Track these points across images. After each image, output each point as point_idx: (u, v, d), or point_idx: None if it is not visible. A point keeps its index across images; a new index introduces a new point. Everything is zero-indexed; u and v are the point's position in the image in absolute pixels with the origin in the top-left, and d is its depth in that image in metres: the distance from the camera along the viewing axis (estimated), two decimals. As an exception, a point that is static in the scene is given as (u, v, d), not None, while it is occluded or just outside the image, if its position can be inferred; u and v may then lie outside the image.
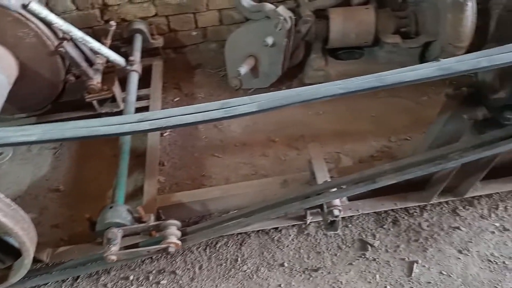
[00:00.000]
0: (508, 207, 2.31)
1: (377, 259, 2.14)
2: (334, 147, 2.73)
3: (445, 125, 2.03)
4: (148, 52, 3.10)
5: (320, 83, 3.17)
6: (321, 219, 2.18)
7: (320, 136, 2.81)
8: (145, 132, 1.42)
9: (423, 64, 1.36)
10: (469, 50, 2.62)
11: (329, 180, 1.96)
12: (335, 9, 2.93)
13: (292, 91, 1.36)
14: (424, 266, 2.09)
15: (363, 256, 2.15)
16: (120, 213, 1.81)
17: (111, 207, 1.86)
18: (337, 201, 1.83)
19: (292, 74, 3.20)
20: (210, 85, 3.18)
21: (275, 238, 2.25)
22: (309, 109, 2.98)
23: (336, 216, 1.83)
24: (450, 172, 2.03)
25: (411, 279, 2.04)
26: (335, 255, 2.20)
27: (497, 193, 2.34)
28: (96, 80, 2.60)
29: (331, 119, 2.92)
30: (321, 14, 2.96)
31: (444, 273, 2.06)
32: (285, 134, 2.83)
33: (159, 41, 3.14)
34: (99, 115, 2.73)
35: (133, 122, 1.33)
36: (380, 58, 3.07)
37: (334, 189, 1.84)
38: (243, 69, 2.83)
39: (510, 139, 1.67)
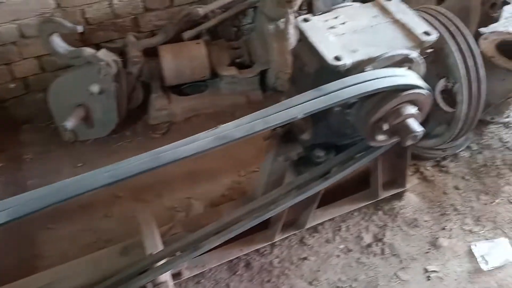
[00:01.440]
0: (350, 226, 2.41)
1: (231, 313, 2.06)
2: (184, 192, 2.59)
3: (272, 164, 2.01)
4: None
5: (166, 122, 3.19)
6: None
7: (170, 182, 2.65)
8: None
9: (201, 133, 1.27)
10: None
11: (158, 250, 1.81)
12: (164, 46, 2.79)
13: (50, 187, 1.16)
14: (278, 308, 2.07)
15: (217, 313, 2.06)
16: None
17: None
18: (165, 276, 1.68)
19: (135, 116, 2.99)
20: (41, 142, 2.82)
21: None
22: (155, 153, 2.80)
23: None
24: (283, 210, 2.02)
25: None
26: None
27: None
28: None
29: (178, 162, 2.77)
30: (153, 52, 2.81)
31: (297, 311, 2.06)
32: (131, 186, 2.61)
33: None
34: None
35: None
36: (223, 90, 3.02)
37: (163, 262, 1.69)
38: (70, 123, 2.55)
39: (326, 177, 1.69)
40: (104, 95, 2.62)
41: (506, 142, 2.83)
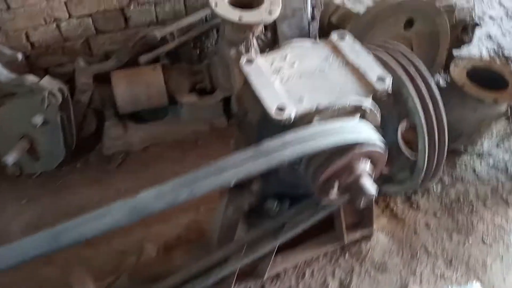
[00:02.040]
0: (315, 271, 2.23)
1: None
2: (138, 232, 2.38)
3: (224, 213, 1.83)
4: None
5: (121, 152, 2.98)
6: None
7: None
8: None
9: (114, 204, 1.08)
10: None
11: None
12: (117, 72, 2.59)
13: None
14: None
15: None
16: None
17: None
18: None
19: (88, 146, 2.78)
20: (-19, 176, 2.59)
21: None
22: (108, 188, 2.59)
23: None
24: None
25: None
26: None
27: (304, 259, 2.24)
28: None
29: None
30: (105, 78, 2.60)
31: None
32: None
33: None
34: None
35: None
36: (184, 116, 2.83)
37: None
38: (11, 158, 2.33)
39: (275, 235, 1.51)
40: (48, 126, 2.41)
41: (479, 173, 2.69)
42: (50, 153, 2.54)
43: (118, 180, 2.63)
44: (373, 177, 1.30)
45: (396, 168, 1.65)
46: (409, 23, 2.60)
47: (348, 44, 1.44)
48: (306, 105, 1.25)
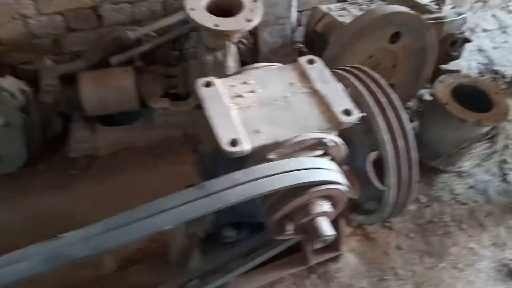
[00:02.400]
0: (279, 293, 2.15)
1: None
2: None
3: (178, 238, 1.74)
4: None
5: (88, 156, 2.86)
6: None
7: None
8: None
9: (28, 248, 0.98)
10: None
11: None
12: (86, 73, 2.46)
13: None
14: None
15: None
16: None
17: None
18: None
19: (54, 148, 2.66)
20: None
21: None
22: (71, 194, 2.48)
23: None
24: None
25: None
26: None
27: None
28: None
29: (99, 203, 2.45)
30: (73, 79, 2.48)
31: None
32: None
33: None
34: None
35: None
36: (157, 121, 2.72)
37: None
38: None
39: (226, 269, 1.42)
40: (10, 128, 2.29)
41: (457, 194, 2.63)
42: (11, 155, 2.42)
43: (82, 186, 2.52)
44: (332, 217, 1.22)
45: (364, 197, 1.57)
46: (396, 36, 2.51)
47: (317, 70, 1.34)
48: (263, 138, 1.16)
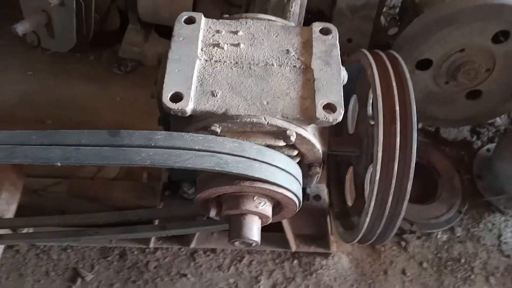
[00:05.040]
0: (254, 262, 2.03)
1: (82, 295, 1.86)
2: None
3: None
4: None
5: (135, 60, 2.82)
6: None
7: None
8: None
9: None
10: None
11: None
12: (148, -24, 2.34)
13: None
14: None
15: (67, 289, 1.87)
16: None
17: None
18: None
19: (108, 42, 2.67)
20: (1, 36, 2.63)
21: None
22: (105, 91, 2.50)
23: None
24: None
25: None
26: (38, 281, 1.91)
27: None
28: None
29: (125, 111, 2.45)
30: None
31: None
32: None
33: None
34: None
35: None
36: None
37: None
38: (21, 27, 2.29)
39: (162, 226, 1.31)
40: (64, 8, 2.31)
41: (504, 242, 2.17)
42: (63, 35, 2.47)
43: (119, 87, 2.54)
44: (268, 221, 1.01)
45: (353, 209, 1.31)
46: (501, 36, 1.98)
47: (327, 44, 1.05)
48: (212, 104, 0.95)
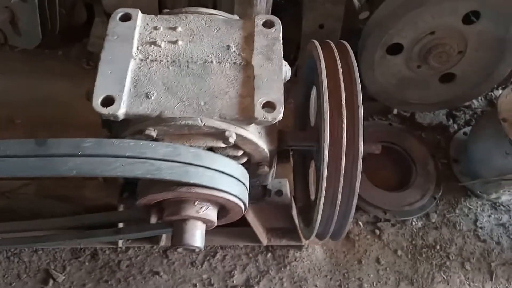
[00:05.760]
0: (227, 257, 2.01)
1: (54, 296, 1.85)
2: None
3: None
4: None
5: None
6: None
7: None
8: None
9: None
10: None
11: None
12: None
13: None
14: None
15: (39, 291, 1.85)
16: None
17: None
18: None
19: (77, 36, 2.60)
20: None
21: None
22: (75, 86, 2.43)
23: None
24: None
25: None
26: (10, 284, 1.89)
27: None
28: None
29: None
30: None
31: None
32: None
33: None
34: None
35: None
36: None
37: None
38: (-17, 24, 2.23)
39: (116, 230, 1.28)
40: (27, 4, 2.24)
41: (480, 227, 2.16)
42: (29, 32, 2.40)
43: (90, 82, 2.48)
44: (213, 226, 0.98)
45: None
46: (472, 16, 1.93)
47: (269, 38, 1.01)
48: (145, 107, 0.91)
